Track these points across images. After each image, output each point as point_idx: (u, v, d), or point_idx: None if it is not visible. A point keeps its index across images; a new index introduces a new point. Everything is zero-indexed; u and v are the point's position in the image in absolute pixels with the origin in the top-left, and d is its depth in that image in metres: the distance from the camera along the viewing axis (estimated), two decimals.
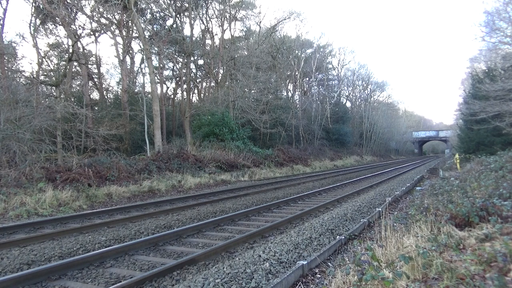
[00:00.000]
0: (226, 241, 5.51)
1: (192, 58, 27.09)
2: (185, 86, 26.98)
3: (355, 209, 8.00)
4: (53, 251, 5.18)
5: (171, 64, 30.69)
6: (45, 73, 23.38)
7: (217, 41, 29.98)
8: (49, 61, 24.44)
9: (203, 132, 22.09)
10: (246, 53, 30.89)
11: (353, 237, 5.68)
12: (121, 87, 23.45)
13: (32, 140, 12.79)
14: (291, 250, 4.82)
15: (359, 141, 50.28)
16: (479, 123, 19.50)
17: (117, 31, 22.51)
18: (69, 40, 19.96)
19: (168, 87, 32.04)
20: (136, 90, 24.37)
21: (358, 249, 4.53)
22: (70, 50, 17.87)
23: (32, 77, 18.06)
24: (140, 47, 23.05)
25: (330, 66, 46.89)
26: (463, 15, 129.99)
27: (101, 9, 19.66)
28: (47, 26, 22.28)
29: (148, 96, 22.17)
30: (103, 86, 28.11)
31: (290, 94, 39.05)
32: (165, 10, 25.34)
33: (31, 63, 51.79)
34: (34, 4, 17.79)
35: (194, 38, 26.85)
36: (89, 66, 24.52)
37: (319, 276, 4.06)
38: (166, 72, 31.36)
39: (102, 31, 22.50)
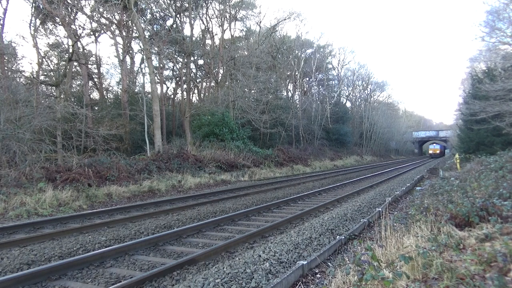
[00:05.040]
0: (226, 241, 5.51)
1: (192, 58, 27.08)
2: (185, 86, 26.97)
3: (355, 209, 8.00)
4: (53, 251, 5.18)
5: (171, 64, 30.71)
6: (45, 73, 23.39)
7: (217, 41, 29.98)
8: (49, 61, 24.47)
9: (203, 132, 22.10)
10: (246, 53, 30.87)
11: (353, 237, 5.68)
12: (121, 87, 23.45)
13: (32, 140, 12.78)
14: (291, 250, 4.82)
15: (359, 141, 50.27)
16: (479, 123, 19.51)
17: (117, 31, 22.51)
18: (69, 40, 19.96)
19: (168, 87, 32.12)
20: (136, 90, 24.38)
21: (358, 249, 4.53)
22: (70, 50, 17.85)
23: (32, 77, 18.06)
24: (140, 47, 23.07)
25: (330, 66, 46.91)
26: (463, 15, 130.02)
27: (101, 9, 19.65)
28: (47, 26, 22.27)
29: (148, 96, 22.16)
30: (103, 86, 28.14)
31: (290, 94, 39.10)
32: (165, 10, 25.33)
33: (31, 63, 51.73)
34: (34, 4, 17.75)
35: (194, 38, 26.84)
36: (89, 66, 24.51)
37: (319, 276, 4.06)
38: (166, 72, 31.40)
39: (102, 31, 22.49)
